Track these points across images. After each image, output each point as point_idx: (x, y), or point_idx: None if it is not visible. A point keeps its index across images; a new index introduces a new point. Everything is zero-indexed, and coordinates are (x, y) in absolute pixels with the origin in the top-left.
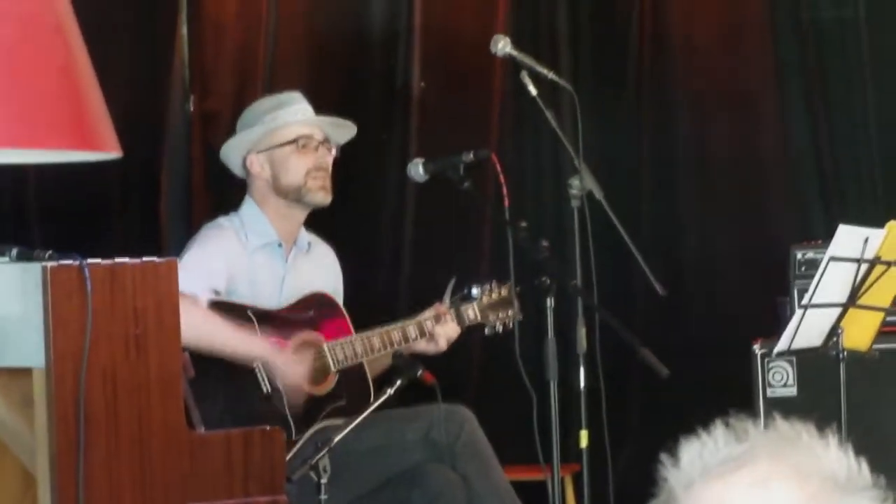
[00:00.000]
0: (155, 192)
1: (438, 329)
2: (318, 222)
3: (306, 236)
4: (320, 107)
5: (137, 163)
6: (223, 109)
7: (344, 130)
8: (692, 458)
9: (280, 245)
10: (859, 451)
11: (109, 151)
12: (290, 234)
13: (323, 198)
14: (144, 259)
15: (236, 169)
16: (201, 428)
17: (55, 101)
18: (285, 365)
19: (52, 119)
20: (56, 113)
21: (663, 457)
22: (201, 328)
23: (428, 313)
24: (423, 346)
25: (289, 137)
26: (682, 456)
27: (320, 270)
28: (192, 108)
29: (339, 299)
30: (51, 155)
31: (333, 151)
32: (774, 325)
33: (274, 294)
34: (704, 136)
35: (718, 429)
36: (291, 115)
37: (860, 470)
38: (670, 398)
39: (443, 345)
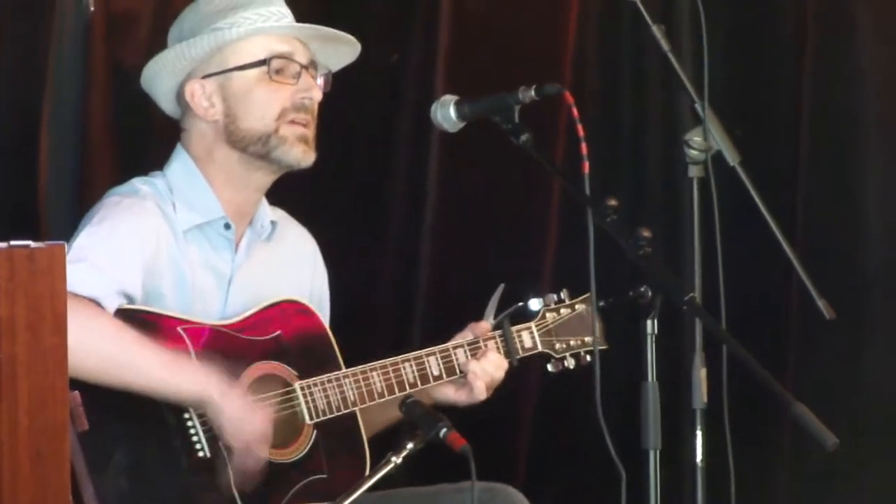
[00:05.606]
0: (30, 140)
1: (475, 364)
2: (286, 201)
3: (269, 213)
4: (297, 10)
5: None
6: (142, 11)
7: (341, 50)
8: None
9: (228, 226)
10: None
11: None
12: (245, 209)
13: (302, 155)
14: (13, 243)
15: (166, 102)
16: None
17: None
18: (239, 411)
19: None
20: None
21: None
22: (104, 349)
23: (459, 339)
24: (449, 392)
25: (257, 56)
26: None
27: (291, 266)
28: (90, 8)
29: (323, 314)
30: None
31: (321, 82)
32: None
33: (216, 302)
34: None
35: None
36: (261, 20)
37: None
38: (839, 487)
39: (480, 389)
